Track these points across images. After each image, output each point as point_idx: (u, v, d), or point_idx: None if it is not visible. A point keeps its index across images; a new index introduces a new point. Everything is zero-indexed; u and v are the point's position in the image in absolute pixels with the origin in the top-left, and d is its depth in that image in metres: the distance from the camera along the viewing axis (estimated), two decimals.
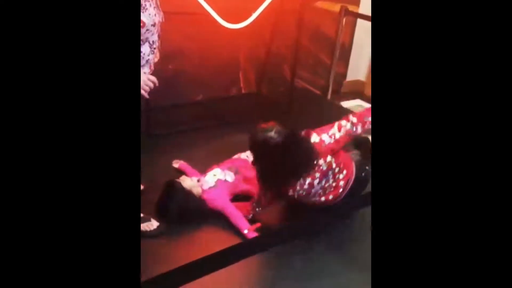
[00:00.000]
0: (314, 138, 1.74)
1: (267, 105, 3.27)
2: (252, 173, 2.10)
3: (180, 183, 1.83)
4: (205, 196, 1.88)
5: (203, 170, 2.15)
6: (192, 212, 1.82)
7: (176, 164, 2.28)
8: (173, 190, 1.80)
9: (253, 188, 2.04)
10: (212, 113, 3.02)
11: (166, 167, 2.26)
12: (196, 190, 1.87)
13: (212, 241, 1.77)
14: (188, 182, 1.86)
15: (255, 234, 1.73)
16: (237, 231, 1.79)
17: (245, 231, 1.76)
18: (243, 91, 3.37)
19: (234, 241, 1.75)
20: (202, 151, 2.55)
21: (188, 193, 1.82)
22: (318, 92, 3.73)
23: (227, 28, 2.76)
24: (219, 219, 1.87)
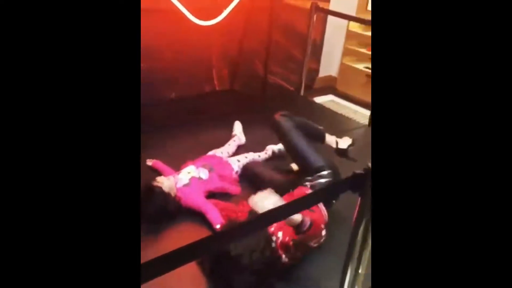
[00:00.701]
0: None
1: (241, 101, 3.29)
2: (226, 170, 2.12)
3: (159, 187, 1.81)
4: (179, 194, 1.88)
5: (177, 167, 2.16)
6: (170, 214, 1.82)
7: (150, 162, 2.27)
8: (152, 194, 1.77)
9: (227, 185, 2.06)
10: (185, 110, 3.02)
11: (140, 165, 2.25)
12: (174, 192, 1.87)
13: (185, 238, 1.77)
14: (166, 183, 1.85)
15: None
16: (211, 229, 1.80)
17: (217, 226, 1.76)
18: (216, 88, 3.37)
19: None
20: (176, 148, 2.54)
21: (166, 196, 1.81)
22: (291, 88, 3.78)
23: (198, 25, 2.76)
24: (194, 216, 1.87)
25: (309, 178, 1.92)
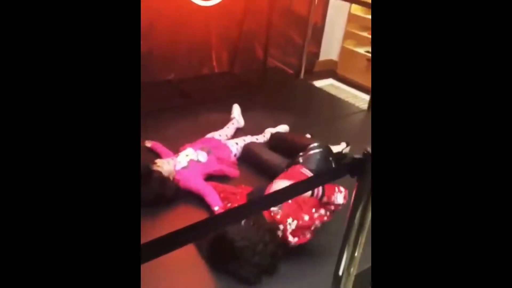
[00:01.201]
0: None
1: (239, 84, 3.27)
2: (225, 153, 2.12)
3: (157, 171, 1.80)
4: (177, 177, 1.88)
5: (175, 150, 2.15)
6: (168, 198, 1.82)
7: (149, 143, 2.27)
8: (150, 178, 1.76)
9: (226, 168, 2.06)
10: (183, 92, 2.99)
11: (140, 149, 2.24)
12: (173, 175, 1.87)
13: (183, 221, 1.78)
14: (165, 167, 1.84)
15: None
16: (211, 211, 1.81)
17: (216, 208, 1.77)
18: (215, 70, 3.34)
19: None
20: (175, 130, 2.53)
21: (165, 180, 1.80)
22: (290, 71, 3.75)
23: (198, 6, 2.72)
24: (193, 199, 1.88)
25: (301, 154, 1.95)
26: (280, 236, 1.56)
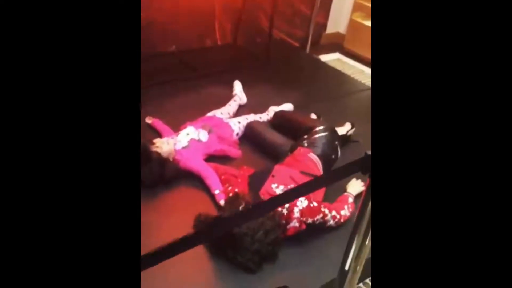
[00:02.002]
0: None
1: (243, 57, 3.16)
2: (226, 132, 2.05)
3: (157, 153, 1.73)
4: (177, 157, 1.82)
5: (176, 126, 2.08)
6: (167, 178, 1.76)
7: (149, 120, 2.20)
8: (150, 159, 1.70)
9: (227, 148, 2.00)
10: (185, 65, 2.89)
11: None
12: (172, 156, 1.81)
13: (186, 203, 1.74)
14: (165, 148, 1.78)
15: (224, 197, 1.69)
16: (210, 193, 1.76)
17: (216, 192, 1.72)
18: (218, 42, 3.22)
19: (206, 202, 1.73)
20: (175, 105, 2.45)
21: (164, 162, 1.74)
22: (296, 44, 3.61)
23: None
24: (193, 179, 1.83)
25: (306, 136, 1.88)
26: (285, 214, 1.52)
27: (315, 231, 1.61)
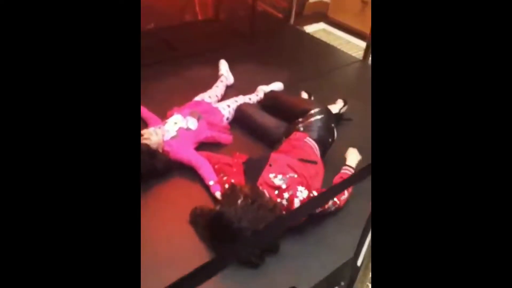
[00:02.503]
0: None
1: (226, 33, 3.01)
2: (216, 118, 1.95)
3: (145, 145, 1.63)
4: (166, 148, 1.72)
5: (161, 113, 1.97)
6: (159, 172, 1.67)
7: None
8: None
9: (218, 134, 1.91)
10: (165, 44, 2.73)
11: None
12: (161, 147, 1.71)
13: (179, 196, 1.66)
14: (154, 138, 1.67)
15: (219, 188, 1.62)
16: (205, 184, 1.68)
17: (211, 183, 1.65)
18: (199, 17, 3.05)
19: (201, 194, 1.66)
20: (159, 89, 2.33)
21: (154, 154, 1.65)
22: (279, 15, 3.47)
23: None
24: (184, 170, 1.74)
25: (301, 119, 1.82)
26: (285, 205, 1.47)
27: (316, 219, 1.56)
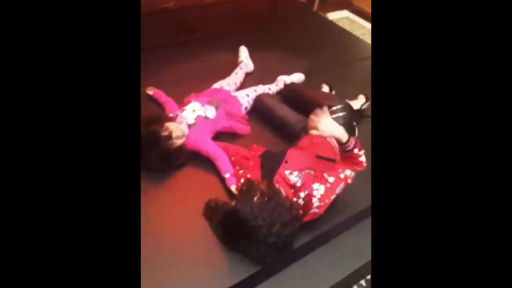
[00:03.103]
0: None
1: (247, 16, 2.92)
2: (235, 107, 1.90)
3: (167, 137, 1.60)
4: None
5: (178, 98, 1.93)
6: (175, 161, 1.64)
7: (150, 91, 2.03)
8: (160, 148, 1.58)
9: (236, 125, 1.86)
10: (184, 26, 2.66)
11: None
12: (183, 140, 1.67)
13: (193, 186, 1.63)
14: (175, 129, 1.63)
15: (235, 181, 1.58)
16: (220, 176, 1.64)
17: (227, 175, 1.61)
18: None
19: (216, 186, 1.63)
20: (175, 73, 2.28)
21: (178, 150, 1.63)
22: (303, 0, 3.36)
23: None
24: (200, 160, 1.70)
25: None
26: (301, 204, 1.43)
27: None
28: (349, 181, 1.44)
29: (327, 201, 1.44)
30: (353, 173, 1.45)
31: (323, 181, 1.44)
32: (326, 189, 1.42)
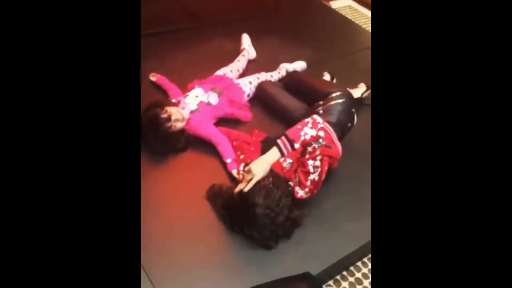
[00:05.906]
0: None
1: (250, 2, 2.93)
2: (237, 94, 1.93)
3: (167, 120, 1.63)
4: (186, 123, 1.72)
5: (179, 81, 1.96)
6: (176, 144, 1.68)
7: (153, 77, 2.06)
8: (161, 130, 1.62)
9: (237, 111, 1.89)
10: (187, 12, 2.67)
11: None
12: (184, 124, 1.71)
13: (195, 171, 1.67)
14: (174, 112, 1.67)
15: (236, 166, 1.63)
16: (221, 161, 1.68)
17: (228, 160, 1.65)
18: None
19: (217, 170, 1.67)
20: (178, 58, 2.30)
21: (179, 133, 1.67)
22: None
23: None
24: (202, 145, 1.74)
25: (321, 103, 1.77)
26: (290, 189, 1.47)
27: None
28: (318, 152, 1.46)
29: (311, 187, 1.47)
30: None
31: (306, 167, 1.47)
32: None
